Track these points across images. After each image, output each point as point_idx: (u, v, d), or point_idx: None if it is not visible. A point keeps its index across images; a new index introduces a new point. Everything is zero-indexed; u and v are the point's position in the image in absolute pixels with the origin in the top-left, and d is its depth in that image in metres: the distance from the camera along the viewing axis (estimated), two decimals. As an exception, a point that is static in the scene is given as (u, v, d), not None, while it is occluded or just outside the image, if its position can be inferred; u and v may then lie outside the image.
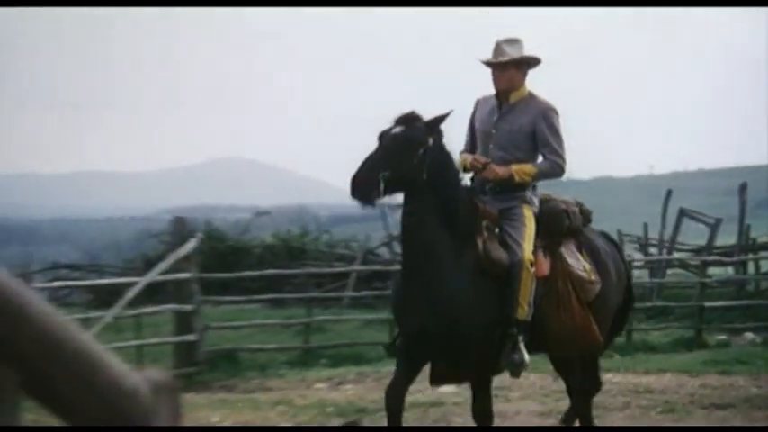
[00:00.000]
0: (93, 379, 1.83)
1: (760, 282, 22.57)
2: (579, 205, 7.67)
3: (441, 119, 7.06)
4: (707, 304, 18.56)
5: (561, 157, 7.31)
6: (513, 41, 7.34)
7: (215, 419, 10.52)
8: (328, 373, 14.11)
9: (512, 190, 7.28)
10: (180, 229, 14.95)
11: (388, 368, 9.79)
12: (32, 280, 17.24)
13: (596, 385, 8.05)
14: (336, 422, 10.16)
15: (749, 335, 17.82)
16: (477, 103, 7.57)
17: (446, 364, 7.36)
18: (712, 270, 23.02)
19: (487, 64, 7.27)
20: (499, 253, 7.00)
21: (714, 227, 24.82)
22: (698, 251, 24.89)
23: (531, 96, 7.36)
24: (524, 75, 7.39)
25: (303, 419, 10.49)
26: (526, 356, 7.04)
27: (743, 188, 25.44)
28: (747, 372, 13.40)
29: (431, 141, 6.96)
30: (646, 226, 25.86)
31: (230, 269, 21.76)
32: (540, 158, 7.32)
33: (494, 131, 7.41)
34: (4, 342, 1.76)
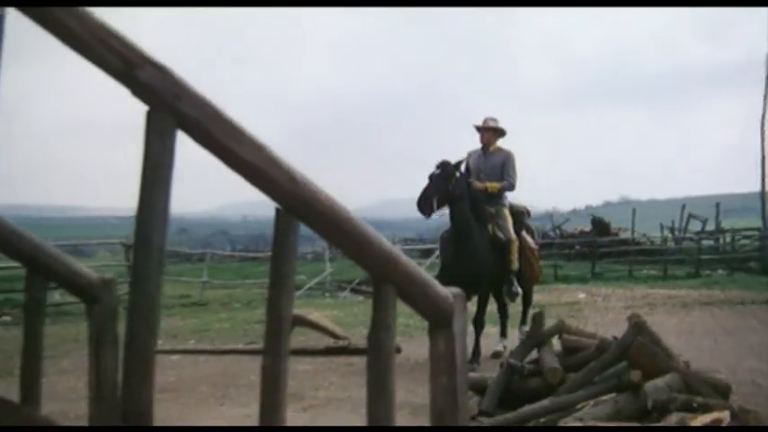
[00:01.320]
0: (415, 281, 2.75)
1: (726, 246, 40.48)
2: (525, 208, 13.01)
3: (460, 162, 11.60)
4: (702, 257, 35.30)
5: (512, 180, 12.23)
6: (494, 119, 12.49)
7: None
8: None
9: (498, 199, 12.22)
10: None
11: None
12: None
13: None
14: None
15: (720, 271, 33.71)
16: (469, 154, 12.34)
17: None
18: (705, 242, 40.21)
19: (477, 128, 12.44)
20: (499, 234, 11.88)
21: (704, 221, 43.82)
22: (697, 233, 41.90)
23: (500, 148, 12.38)
24: (497, 137, 12.42)
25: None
26: (519, 289, 12.30)
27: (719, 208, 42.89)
28: (719, 288, 25.24)
29: (457, 174, 11.46)
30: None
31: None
32: (504, 181, 12.18)
33: (482, 168, 12.29)
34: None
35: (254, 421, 7.27)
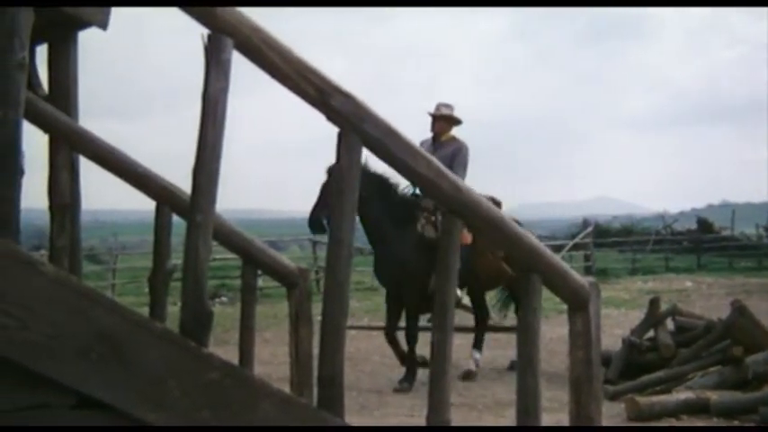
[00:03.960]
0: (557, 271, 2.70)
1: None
2: (492, 198, 8.10)
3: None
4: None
5: (460, 174, 8.07)
6: (448, 105, 8.81)
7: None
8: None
9: None
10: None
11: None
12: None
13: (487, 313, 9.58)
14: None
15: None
16: (420, 143, 8.23)
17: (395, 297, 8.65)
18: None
19: (431, 115, 8.74)
20: (429, 232, 8.24)
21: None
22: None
23: (455, 138, 8.72)
24: (451, 126, 8.74)
25: None
26: (459, 292, 7.95)
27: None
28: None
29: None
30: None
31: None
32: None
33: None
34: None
35: (419, 386, 7.16)
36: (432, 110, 8.77)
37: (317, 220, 8.08)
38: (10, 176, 1.97)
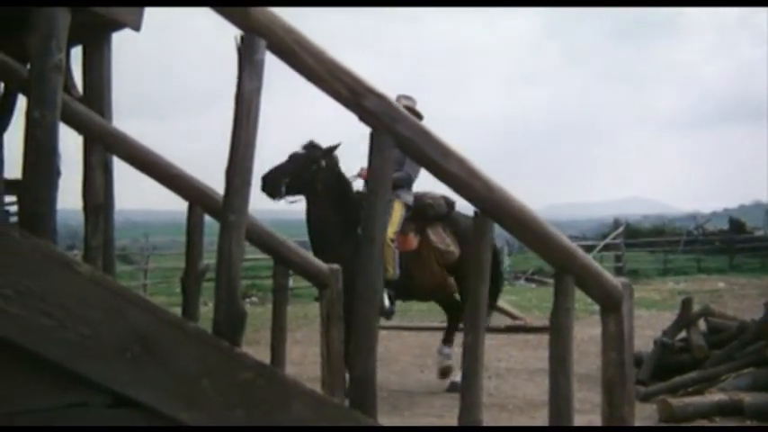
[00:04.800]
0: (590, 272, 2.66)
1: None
2: (445, 198, 8.07)
3: (332, 147, 7.73)
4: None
5: (413, 172, 7.75)
6: (409, 97, 8.11)
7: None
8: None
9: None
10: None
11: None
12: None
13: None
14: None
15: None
16: None
17: None
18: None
19: None
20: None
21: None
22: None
23: None
24: None
25: None
26: (387, 303, 7.58)
27: None
28: None
29: (323, 162, 7.60)
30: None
31: None
32: (400, 172, 7.62)
33: None
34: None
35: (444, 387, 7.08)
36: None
37: (275, 180, 7.43)
38: (47, 177, 1.99)
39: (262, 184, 7.33)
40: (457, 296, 8.27)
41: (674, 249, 33.69)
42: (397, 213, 7.69)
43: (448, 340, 8.29)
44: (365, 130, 2.34)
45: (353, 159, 7.86)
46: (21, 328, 1.86)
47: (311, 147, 7.61)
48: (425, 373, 8.58)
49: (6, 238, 1.86)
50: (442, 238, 7.96)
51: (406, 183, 7.88)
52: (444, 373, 8.09)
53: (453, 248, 7.94)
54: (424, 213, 7.99)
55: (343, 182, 7.79)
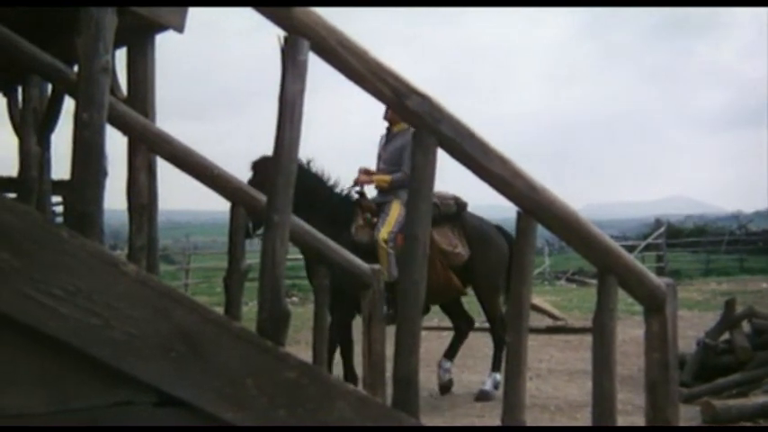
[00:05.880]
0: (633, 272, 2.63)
1: None
2: (455, 198, 7.88)
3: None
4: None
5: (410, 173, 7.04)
6: None
7: None
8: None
9: (388, 191, 7.70)
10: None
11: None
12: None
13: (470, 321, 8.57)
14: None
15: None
16: (381, 136, 8.01)
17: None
18: None
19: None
20: (362, 236, 7.37)
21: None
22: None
23: (408, 129, 7.31)
24: None
25: None
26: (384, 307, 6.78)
27: None
28: None
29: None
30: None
31: None
32: (398, 173, 7.56)
33: (382, 152, 7.90)
34: None
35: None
36: None
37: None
38: (95, 177, 2.01)
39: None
40: (462, 299, 8.17)
41: (716, 249, 33.30)
42: (395, 214, 7.46)
43: (450, 354, 8.13)
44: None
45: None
46: (72, 329, 1.88)
47: (259, 166, 7.03)
48: (466, 374, 8.55)
49: (55, 237, 1.88)
50: (448, 239, 7.69)
51: (407, 183, 6.76)
52: (444, 389, 7.89)
53: (460, 250, 7.71)
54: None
55: (324, 187, 7.51)
